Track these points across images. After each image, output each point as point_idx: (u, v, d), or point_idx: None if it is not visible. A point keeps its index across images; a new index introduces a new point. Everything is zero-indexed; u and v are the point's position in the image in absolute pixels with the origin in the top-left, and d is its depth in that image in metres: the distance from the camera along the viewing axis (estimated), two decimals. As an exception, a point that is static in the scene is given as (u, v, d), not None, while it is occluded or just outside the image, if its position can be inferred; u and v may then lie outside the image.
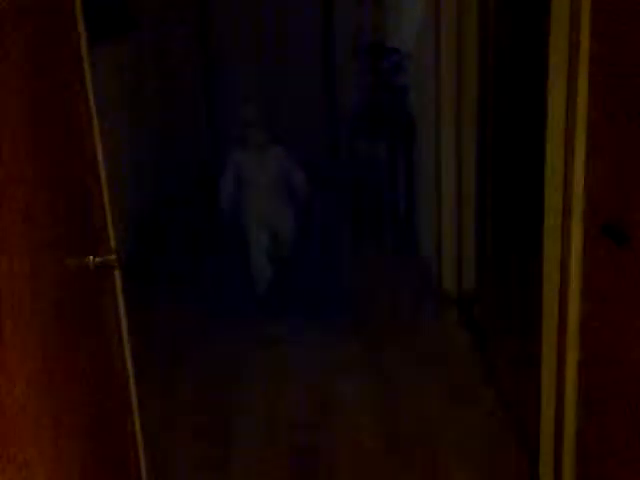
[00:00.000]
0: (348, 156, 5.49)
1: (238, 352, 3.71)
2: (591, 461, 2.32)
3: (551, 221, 2.34)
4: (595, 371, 2.24)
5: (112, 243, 2.14)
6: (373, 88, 5.12)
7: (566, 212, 2.22)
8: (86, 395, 1.84)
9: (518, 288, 3.28)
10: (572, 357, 2.32)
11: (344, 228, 5.04)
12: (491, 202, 4.06)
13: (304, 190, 4.37)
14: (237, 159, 4.37)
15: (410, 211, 5.00)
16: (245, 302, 4.16)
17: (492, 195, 4.04)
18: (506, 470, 2.79)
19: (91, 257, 1.95)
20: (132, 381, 2.23)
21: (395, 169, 5.19)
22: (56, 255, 1.71)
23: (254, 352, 3.72)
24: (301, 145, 4.51)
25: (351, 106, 5.38)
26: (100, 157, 2.05)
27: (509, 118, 3.56)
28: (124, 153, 4.46)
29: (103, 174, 2.06)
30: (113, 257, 2.07)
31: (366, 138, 5.31)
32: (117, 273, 2.17)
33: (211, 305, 4.12)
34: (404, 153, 4.98)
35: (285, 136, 4.45)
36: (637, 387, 1.95)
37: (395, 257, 4.71)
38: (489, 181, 4.00)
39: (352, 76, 5.51)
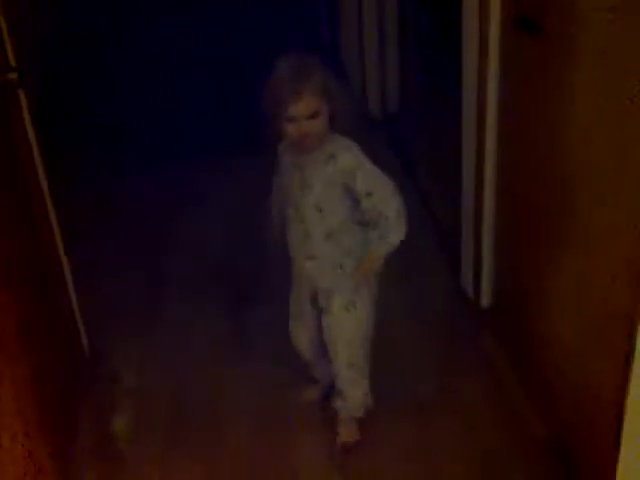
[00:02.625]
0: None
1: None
2: (506, 264, 2.42)
3: (469, 17, 2.31)
4: (511, 163, 2.29)
5: (12, 60, 2.03)
6: None
7: (482, 8, 2.18)
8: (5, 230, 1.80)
9: (440, 99, 3.28)
10: (490, 151, 2.36)
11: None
12: (412, 20, 3.99)
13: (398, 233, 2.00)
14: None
15: (333, 40, 4.88)
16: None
17: (414, 18, 3.96)
18: (427, 276, 2.90)
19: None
20: (51, 208, 2.19)
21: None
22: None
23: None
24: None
25: None
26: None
27: None
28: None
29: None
30: (14, 75, 1.98)
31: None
32: (21, 92, 2.07)
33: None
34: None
35: None
36: (544, 170, 2.01)
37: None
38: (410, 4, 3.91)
39: None
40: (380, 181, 1.96)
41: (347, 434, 2.26)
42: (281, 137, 1.93)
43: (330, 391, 2.31)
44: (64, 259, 2.28)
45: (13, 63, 2.02)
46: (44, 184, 2.15)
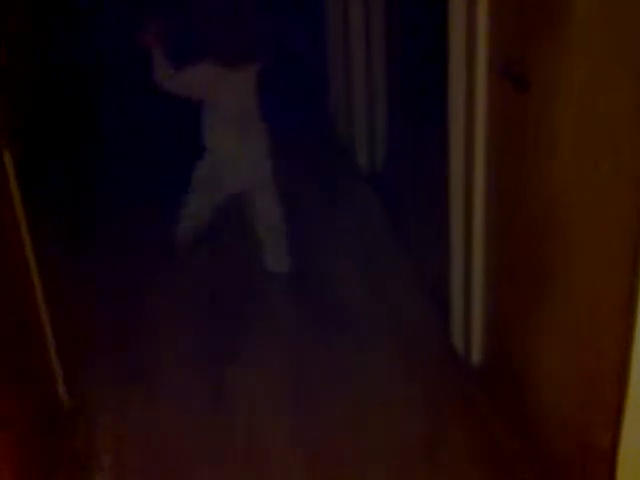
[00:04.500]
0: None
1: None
2: (497, 316, 2.40)
3: (455, 70, 2.32)
4: (500, 217, 2.28)
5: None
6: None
7: (469, 60, 2.20)
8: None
9: (427, 154, 3.29)
10: (479, 206, 2.36)
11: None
12: (400, 74, 4.02)
13: None
14: None
15: (322, 88, 4.90)
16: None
17: (401, 66, 3.99)
18: (416, 329, 2.87)
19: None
20: (32, 260, 2.16)
21: (301, 45, 5.03)
22: None
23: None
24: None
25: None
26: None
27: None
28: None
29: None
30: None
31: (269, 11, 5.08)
32: (7, 153, 2.06)
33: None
34: (310, 29, 4.82)
35: None
36: (536, 227, 2.00)
37: (307, 133, 4.62)
38: (397, 52, 3.94)
39: None
40: None
41: None
42: None
43: None
44: (43, 307, 2.24)
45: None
46: (28, 244, 2.13)
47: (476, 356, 2.57)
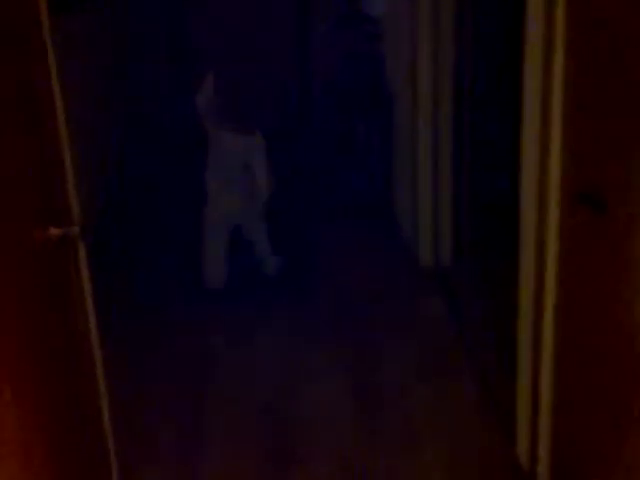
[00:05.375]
0: (322, 132, 5.41)
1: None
2: (566, 434, 2.31)
3: (528, 189, 2.30)
4: (571, 344, 2.22)
5: (75, 214, 2.06)
6: (347, 59, 5.03)
7: (543, 180, 2.18)
8: (50, 372, 1.77)
9: (496, 261, 3.24)
10: (548, 331, 2.30)
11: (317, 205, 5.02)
12: (468, 177, 4.03)
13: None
14: None
15: (387, 188, 4.93)
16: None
17: (469, 169, 4.01)
18: (480, 443, 2.76)
19: (53, 229, 1.87)
20: (98, 355, 2.16)
21: (371, 146, 5.11)
22: (15, 226, 1.64)
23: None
24: (273, 118, 4.25)
25: (326, 80, 5.31)
26: (62, 123, 1.97)
27: (487, 90, 3.52)
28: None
29: (65, 140, 1.98)
30: (76, 228, 2.00)
31: (341, 114, 5.21)
32: (81, 245, 2.09)
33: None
34: (381, 129, 4.89)
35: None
36: (614, 360, 1.93)
37: (372, 233, 4.64)
38: (466, 155, 3.96)
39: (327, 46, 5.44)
40: None
41: None
42: None
43: None
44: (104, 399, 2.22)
45: (77, 217, 2.06)
46: (96, 342, 2.14)
47: (542, 469, 2.47)
